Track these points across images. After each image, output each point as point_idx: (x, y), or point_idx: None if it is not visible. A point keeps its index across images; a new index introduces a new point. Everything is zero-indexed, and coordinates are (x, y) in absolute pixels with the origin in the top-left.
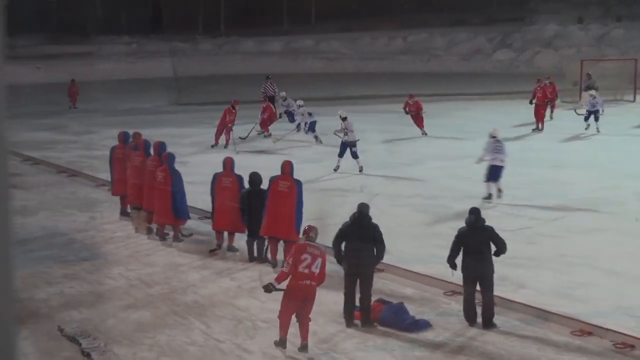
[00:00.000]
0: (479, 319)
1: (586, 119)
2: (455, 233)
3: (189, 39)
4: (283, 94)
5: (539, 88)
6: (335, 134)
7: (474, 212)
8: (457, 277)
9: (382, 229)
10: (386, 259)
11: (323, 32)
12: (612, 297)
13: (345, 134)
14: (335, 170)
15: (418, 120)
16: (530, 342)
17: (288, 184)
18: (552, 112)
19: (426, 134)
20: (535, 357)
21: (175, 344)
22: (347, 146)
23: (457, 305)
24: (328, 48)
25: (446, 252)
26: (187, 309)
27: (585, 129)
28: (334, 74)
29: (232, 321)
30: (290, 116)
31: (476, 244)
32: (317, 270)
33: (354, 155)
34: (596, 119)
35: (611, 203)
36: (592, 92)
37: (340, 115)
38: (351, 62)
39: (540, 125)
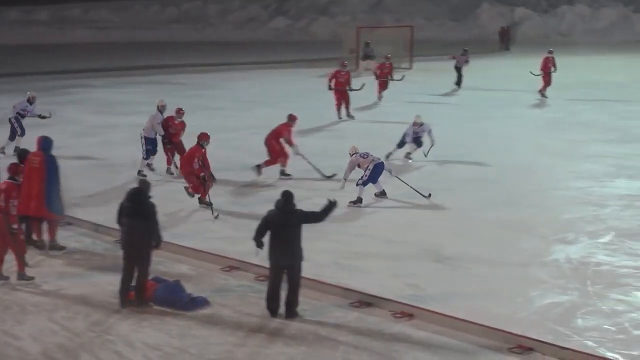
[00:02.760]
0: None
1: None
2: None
3: None
4: None
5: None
6: None
7: (284, 195)
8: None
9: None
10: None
11: None
12: (389, 267)
13: None
14: None
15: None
16: (310, 314)
17: (39, 159)
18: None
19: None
20: (312, 330)
21: None
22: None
23: (234, 280)
24: (97, 17)
25: (223, 227)
26: None
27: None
28: (104, 44)
29: None
30: None
31: (284, 228)
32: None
33: None
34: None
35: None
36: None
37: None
38: (122, 31)
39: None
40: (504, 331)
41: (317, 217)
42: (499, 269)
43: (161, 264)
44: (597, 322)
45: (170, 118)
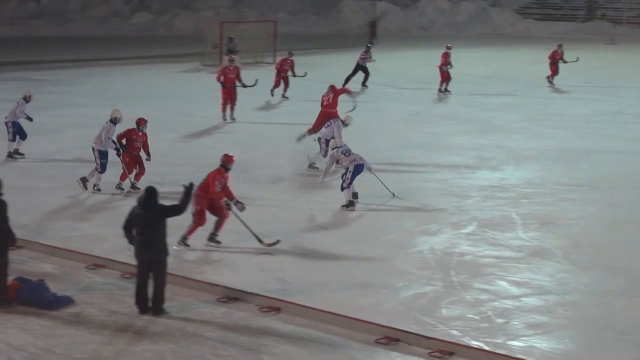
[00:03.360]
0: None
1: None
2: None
3: None
4: None
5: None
6: None
7: (147, 191)
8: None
9: (21, 203)
10: (22, 234)
11: None
12: (256, 261)
13: None
14: None
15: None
16: (177, 310)
17: None
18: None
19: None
20: (180, 327)
21: None
22: None
23: (100, 278)
24: None
25: (88, 226)
26: None
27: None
28: None
29: None
30: None
31: (146, 224)
32: None
33: None
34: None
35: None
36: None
37: None
38: None
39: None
40: (370, 322)
41: (178, 208)
42: (364, 260)
43: (25, 263)
44: (461, 312)
45: (132, 131)
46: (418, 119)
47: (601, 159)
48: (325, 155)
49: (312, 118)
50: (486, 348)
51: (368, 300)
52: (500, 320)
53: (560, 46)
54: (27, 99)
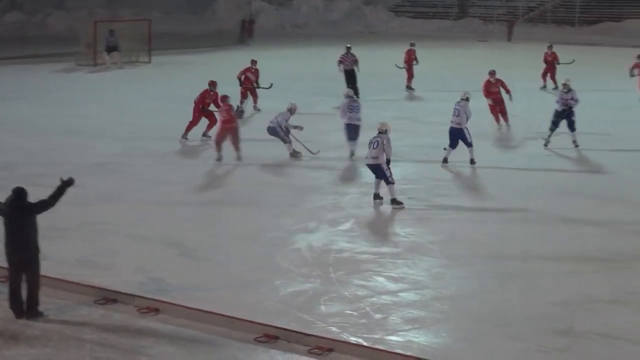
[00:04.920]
0: None
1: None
2: None
3: None
4: None
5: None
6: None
7: (15, 192)
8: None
9: None
10: None
11: None
12: (133, 262)
13: None
14: None
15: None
16: (54, 313)
17: None
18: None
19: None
20: (57, 330)
21: None
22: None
23: None
24: None
25: None
26: None
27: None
28: None
29: None
30: None
31: (14, 224)
32: None
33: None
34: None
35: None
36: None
37: None
38: None
39: None
40: (249, 321)
41: (45, 204)
42: (243, 259)
43: None
44: (339, 308)
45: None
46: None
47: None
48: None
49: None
50: (365, 344)
51: (247, 298)
52: (378, 316)
53: (413, 44)
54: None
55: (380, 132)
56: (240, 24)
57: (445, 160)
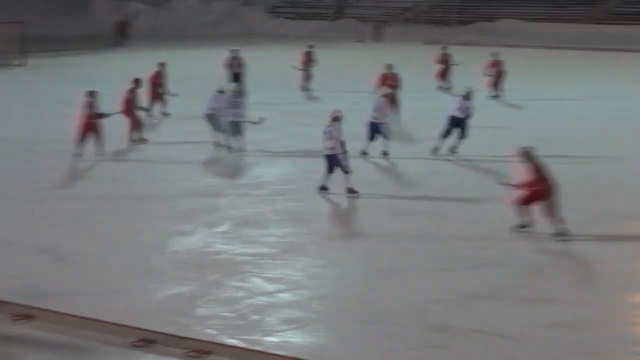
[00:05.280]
0: None
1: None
2: None
3: None
4: None
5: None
6: None
7: None
8: None
9: None
10: None
11: None
12: (5, 268)
13: None
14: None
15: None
16: None
17: None
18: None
19: None
20: None
21: None
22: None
23: None
24: None
25: None
26: None
27: None
28: None
29: None
30: None
31: None
32: None
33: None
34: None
35: None
36: None
37: None
38: None
39: None
40: (125, 325)
41: None
42: (118, 263)
43: None
44: (217, 310)
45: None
46: (171, 121)
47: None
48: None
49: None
50: (242, 345)
51: (123, 303)
52: (255, 317)
53: (311, 47)
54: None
55: (333, 120)
56: (115, 26)
57: (364, 152)
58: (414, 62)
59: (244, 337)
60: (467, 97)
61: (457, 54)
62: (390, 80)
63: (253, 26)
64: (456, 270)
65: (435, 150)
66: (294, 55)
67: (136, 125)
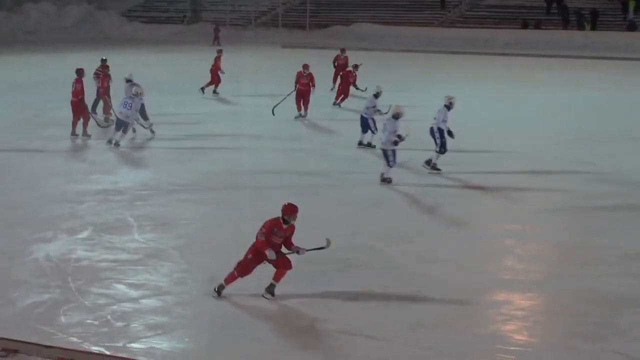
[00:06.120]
0: None
1: None
2: None
3: None
4: None
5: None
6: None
7: None
8: None
9: None
10: None
11: None
12: None
13: None
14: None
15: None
16: None
17: None
18: None
19: None
20: None
21: None
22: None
23: None
24: None
25: None
26: None
27: None
28: None
29: None
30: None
31: None
32: None
33: None
34: None
35: None
36: None
37: None
38: None
39: None
40: None
41: None
42: None
43: None
44: (80, 318)
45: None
46: (28, 126)
47: (214, 158)
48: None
49: None
50: (107, 352)
51: None
52: (119, 324)
53: (220, 51)
54: None
55: (393, 117)
56: None
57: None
58: (275, 64)
59: (109, 344)
60: (377, 95)
61: (313, 57)
62: (304, 79)
63: (108, 30)
64: (324, 272)
65: (360, 143)
66: (150, 60)
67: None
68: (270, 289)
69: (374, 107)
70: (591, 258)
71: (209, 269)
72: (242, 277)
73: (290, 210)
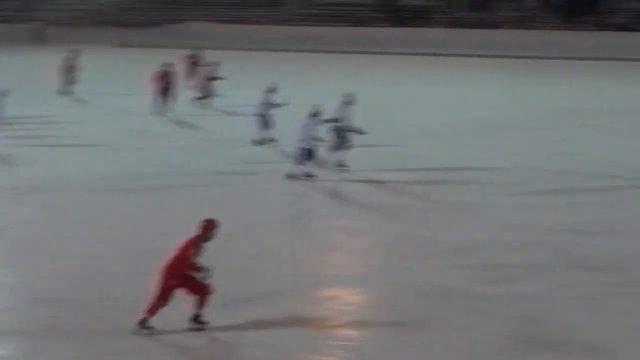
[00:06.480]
0: None
1: None
2: None
3: None
4: None
5: None
6: None
7: None
8: None
9: None
10: None
11: None
12: None
13: None
14: None
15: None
16: None
17: None
18: None
19: None
20: None
21: None
22: None
23: None
24: None
25: None
26: None
27: None
28: None
29: None
30: None
31: None
32: None
33: None
34: None
35: None
36: None
37: None
38: None
39: None
40: None
41: None
42: None
43: None
44: None
45: None
46: None
47: (50, 160)
48: None
49: None
50: None
51: None
52: None
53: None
54: None
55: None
56: None
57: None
58: (109, 63)
59: None
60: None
61: (149, 56)
62: (167, 77)
63: None
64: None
65: (259, 141)
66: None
67: None
68: (197, 319)
69: (267, 102)
70: (421, 251)
71: (42, 272)
72: (165, 305)
73: (213, 225)
